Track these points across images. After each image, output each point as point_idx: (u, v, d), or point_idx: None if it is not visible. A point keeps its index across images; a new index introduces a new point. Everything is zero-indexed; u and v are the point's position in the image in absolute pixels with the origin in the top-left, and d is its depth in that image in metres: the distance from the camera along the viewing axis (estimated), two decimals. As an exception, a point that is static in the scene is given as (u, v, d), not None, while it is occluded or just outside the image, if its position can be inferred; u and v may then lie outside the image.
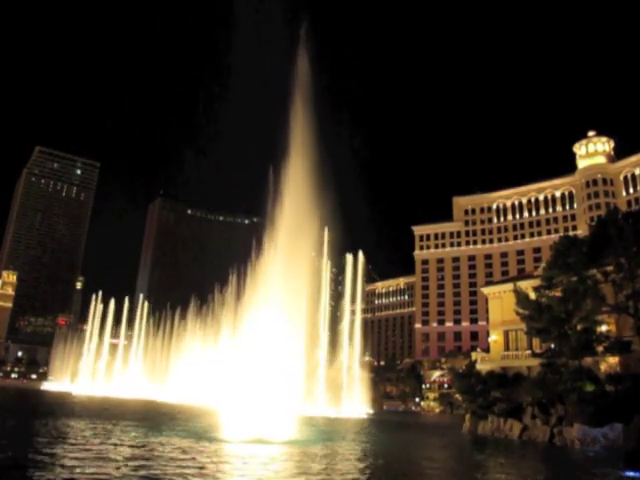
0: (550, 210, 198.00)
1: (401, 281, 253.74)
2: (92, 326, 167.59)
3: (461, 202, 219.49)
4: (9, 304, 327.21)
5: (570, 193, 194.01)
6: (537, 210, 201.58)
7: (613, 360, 48.22)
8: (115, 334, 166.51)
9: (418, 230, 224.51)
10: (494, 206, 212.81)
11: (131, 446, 24.36)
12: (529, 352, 56.26)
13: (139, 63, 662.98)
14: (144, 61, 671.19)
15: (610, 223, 46.71)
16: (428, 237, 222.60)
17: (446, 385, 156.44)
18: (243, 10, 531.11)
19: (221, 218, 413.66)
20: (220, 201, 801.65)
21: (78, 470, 17.21)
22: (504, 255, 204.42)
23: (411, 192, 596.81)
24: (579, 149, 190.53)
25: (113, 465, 18.46)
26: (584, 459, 31.41)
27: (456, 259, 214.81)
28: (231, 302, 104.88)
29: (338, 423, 58.52)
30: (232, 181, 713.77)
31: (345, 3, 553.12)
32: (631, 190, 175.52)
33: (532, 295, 48.50)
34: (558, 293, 46.32)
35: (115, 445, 24.26)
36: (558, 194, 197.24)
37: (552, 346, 47.58)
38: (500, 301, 65.61)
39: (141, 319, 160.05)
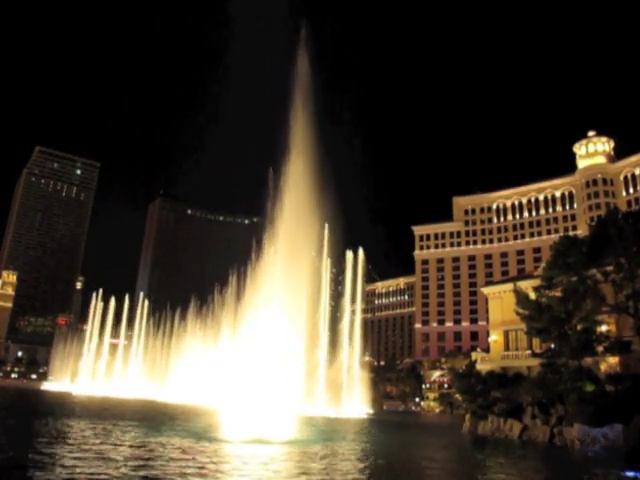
0: (550, 210, 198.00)
1: (401, 281, 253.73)
2: (92, 326, 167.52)
3: (461, 202, 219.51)
4: (9, 304, 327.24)
5: (570, 193, 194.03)
6: (537, 210, 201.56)
7: (613, 360, 48.18)
8: (115, 334, 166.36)
9: (418, 230, 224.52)
10: (494, 206, 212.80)
11: (131, 446, 24.38)
12: (529, 352, 56.22)
13: (139, 63, 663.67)
14: (144, 61, 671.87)
15: (610, 223, 46.70)
16: (428, 237, 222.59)
17: (446, 385, 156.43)
18: (243, 10, 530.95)
19: (221, 218, 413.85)
20: (220, 201, 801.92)
21: (78, 470, 17.22)
22: (504, 255, 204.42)
23: (411, 192, 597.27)
24: (579, 149, 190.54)
25: (113, 465, 18.46)
26: (584, 459, 31.42)
27: (456, 259, 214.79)
28: (231, 302, 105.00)
29: (338, 423, 58.49)
30: (232, 181, 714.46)
31: (345, 3, 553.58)
32: (631, 190, 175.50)
33: (532, 295, 48.50)
34: (558, 293, 46.31)
35: (115, 445, 24.27)
36: (558, 194, 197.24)
37: (552, 346, 47.57)
38: (500, 301, 65.60)
39: (141, 319, 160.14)
